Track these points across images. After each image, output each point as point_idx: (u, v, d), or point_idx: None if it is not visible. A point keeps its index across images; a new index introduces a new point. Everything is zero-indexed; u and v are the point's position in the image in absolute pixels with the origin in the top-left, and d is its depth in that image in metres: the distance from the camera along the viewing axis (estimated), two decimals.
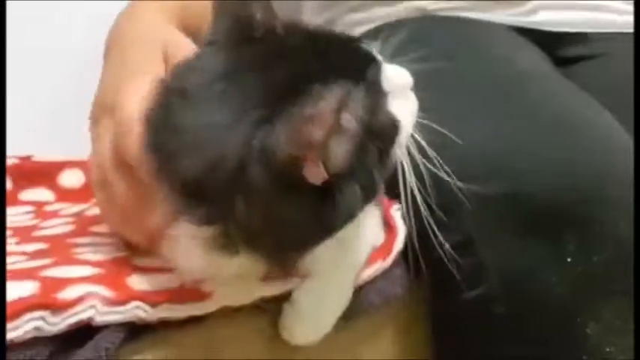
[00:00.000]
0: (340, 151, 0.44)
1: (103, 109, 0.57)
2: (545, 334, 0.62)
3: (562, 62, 0.89)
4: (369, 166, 0.48)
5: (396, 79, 0.52)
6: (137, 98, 0.50)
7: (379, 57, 0.52)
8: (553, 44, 0.90)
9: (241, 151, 0.43)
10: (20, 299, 0.46)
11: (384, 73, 0.51)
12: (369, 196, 0.49)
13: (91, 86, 1.05)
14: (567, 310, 0.61)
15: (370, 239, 0.61)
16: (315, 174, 0.44)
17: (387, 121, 0.50)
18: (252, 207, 0.44)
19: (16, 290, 0.47)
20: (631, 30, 0.90)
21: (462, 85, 0.72)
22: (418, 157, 0.54)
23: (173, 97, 0.47)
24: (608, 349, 0.60)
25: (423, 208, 0.56)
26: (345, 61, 0.50)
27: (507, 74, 0.73)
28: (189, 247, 0.48)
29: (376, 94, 0.50)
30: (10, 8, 0.97)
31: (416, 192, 0.54)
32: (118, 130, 0.52)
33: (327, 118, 0.42)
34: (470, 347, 0.66)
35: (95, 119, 0.58)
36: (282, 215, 0.45)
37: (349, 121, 0.44)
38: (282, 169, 0.43)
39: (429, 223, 0.60)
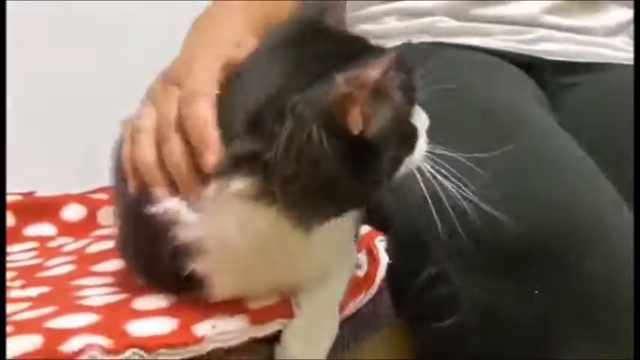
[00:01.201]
0: (382, 113, 0.52)
1: (172, 79, 0.61)
2: None
3: (554, 89, 0.93)
4: (396, 147, 0.54)
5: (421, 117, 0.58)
6: (206, 75, 0.57)
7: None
8: (548, 72, 0.93)
9: (296, 93, 0.50)
10: (26, 354, 0.50)
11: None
12: (390, 172, 0.55)
13: (91, 126, 1.10)
14: (539, 342, 0.64)
15: (348, 271, 0.65)
16: (356, 120, 0.50)
17: (411, 126, 0.56)
18: (294, 141, 0.50)
19: (21, 344, 0.51)
20: (627, 62, 0.94)
21: (445, 123, 0.75)
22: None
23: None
24: None
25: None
26: None
27: (494, 113, 0.76)
28: (231, 202, 0.53)
29: (410, 99, 0.56)
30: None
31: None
32: (186, 98, 0.56)
33: (387, 64, 0.49)
34: None
35: (161, 87, 0.62)
36: (318, 156, 0.50)
37: (393, 88, 0.52)
38: (330, 109, 0.50)
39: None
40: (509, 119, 0.75)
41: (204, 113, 0.54)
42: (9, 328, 0.54)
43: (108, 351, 0.51)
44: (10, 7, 1.02)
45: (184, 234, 0.55)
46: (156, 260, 0.59)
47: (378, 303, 0.69)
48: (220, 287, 0.58)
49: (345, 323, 0.64)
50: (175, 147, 0.55)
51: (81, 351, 0.50)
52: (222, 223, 0.54)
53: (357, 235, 0.67)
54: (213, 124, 0.54)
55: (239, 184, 0.52)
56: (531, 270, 0.62)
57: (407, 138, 0.56)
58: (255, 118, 0.52)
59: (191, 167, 0.55)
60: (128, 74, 1.11)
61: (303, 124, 0.50)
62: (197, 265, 0.57)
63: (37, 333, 0.53)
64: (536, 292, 0.62)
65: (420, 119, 0.58)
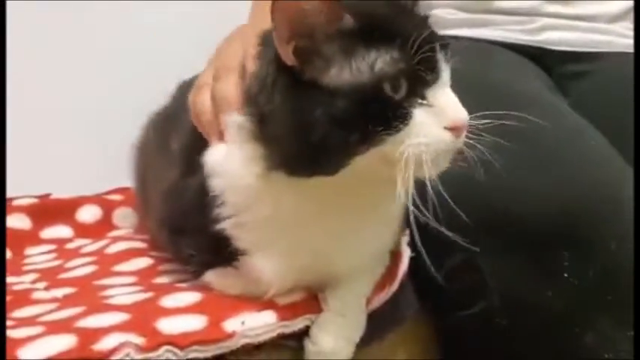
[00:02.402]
0: (343, 63, 0.50)
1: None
2: (546, 345, 0.66)
3: (561, 78, 0.94)
4: (364, 115, 0.50)
5: (451, 108, 0.52)
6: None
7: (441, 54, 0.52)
8: (554, 61, 0.94)
9: None
10: (60, 354, 0.50)
11: (444, 94, 0.52)
12: (351, 140, 0.50)
13: (104, 128, 1.10)
14: (566, 322, 0.65)
15: (379, 269, 0.65)
16: (280, 42, 0.51)
17: (399, 106, 0.50)
18: (259, 75, 0.54)
19: (55, 344, 0.51)
20: (630, 50, 0.95)
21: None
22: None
23: None
24: (606, 356, 0.64)
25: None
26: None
27: (509, 102, 0.76)
28: (240, 143, 0.56)
29: (410, 70, 0.50)
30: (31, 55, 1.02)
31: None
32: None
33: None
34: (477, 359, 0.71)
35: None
36: (270, 93, 0.53)
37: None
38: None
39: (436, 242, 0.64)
40: (525, 103, 0.76)
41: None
42: (39, 329, 0.55)
43: (142, 349, 0.52)
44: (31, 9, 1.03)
45: (215, 182, 0.57)
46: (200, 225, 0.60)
47: (400, 296, 0.69)
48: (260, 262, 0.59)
49: (370, 317, 0.64)
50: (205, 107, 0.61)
51: (116, 349, 0.51)
52: (235, 167, 0.56)
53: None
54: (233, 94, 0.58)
55: (240, 118, 0.55)
56: (556, 253, 0.63)
57: (381, 111, 0.50)
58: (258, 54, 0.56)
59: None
60: (142, 77, 1.11)
61: (267, 56, 0.53)
62: (230, 228, 0.58)
63: (70, 333, 0.53)
64: (566, 275, 0.62)
65: (442, 109, 0.52)
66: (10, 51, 1.01)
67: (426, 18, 0.55)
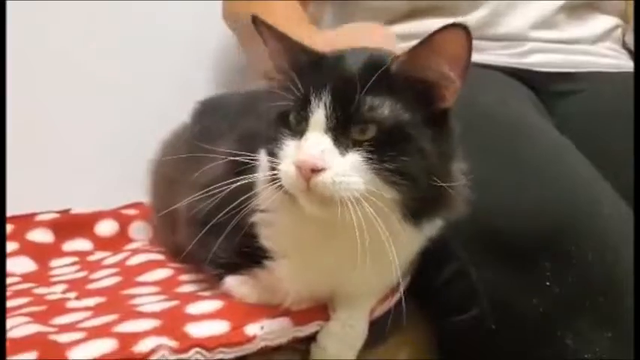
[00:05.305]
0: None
1: None
2: (531, 347, 0.73)
3: (548, 97, 1.01)
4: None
5: (302, 148, 0.56)
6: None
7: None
8: (541, 82, 1.01)
9: None
10: (105, 355, 0.57)
11: (311, 134, 0.56)
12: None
13: (120, 146, 1.15)
14: (549, 326, 0.72)
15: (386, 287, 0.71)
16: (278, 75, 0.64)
17: (281, 134, 0.59)
18: None
19: (99, 347, 0.58)
20: (611, 70, 1.03)
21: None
22: None
23: None
24: (586, 356, 0.71)
25: None
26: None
27: (497, 123, 0.83)
28: None
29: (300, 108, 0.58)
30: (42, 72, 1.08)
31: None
32: None
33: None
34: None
35: None
36: None
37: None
38: None
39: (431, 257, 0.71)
40: (511, 124, 0.83)
41: None
42: (81, 334, 0.61)
43: (175, 351, 0.59)
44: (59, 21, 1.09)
45: (260, 176, 0.62)
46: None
47: (402, 304, 0.75)
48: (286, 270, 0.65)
49: (374, 322, 0.71)
50: None
51: (153, 351, 0.58)
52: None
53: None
54: None
55: None
56: (539, 264, 0.70)
57: (275, 134, 0.59)
58: None
59: None
60: (160, 97, 1.17)
61: None
62: (260, 225, 0.64)
63: (110, 337, 0.60)
64: (548, 284, 0.69)
65: (300, 148, 0.56)
66: (30, 73, 1.08)
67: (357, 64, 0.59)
